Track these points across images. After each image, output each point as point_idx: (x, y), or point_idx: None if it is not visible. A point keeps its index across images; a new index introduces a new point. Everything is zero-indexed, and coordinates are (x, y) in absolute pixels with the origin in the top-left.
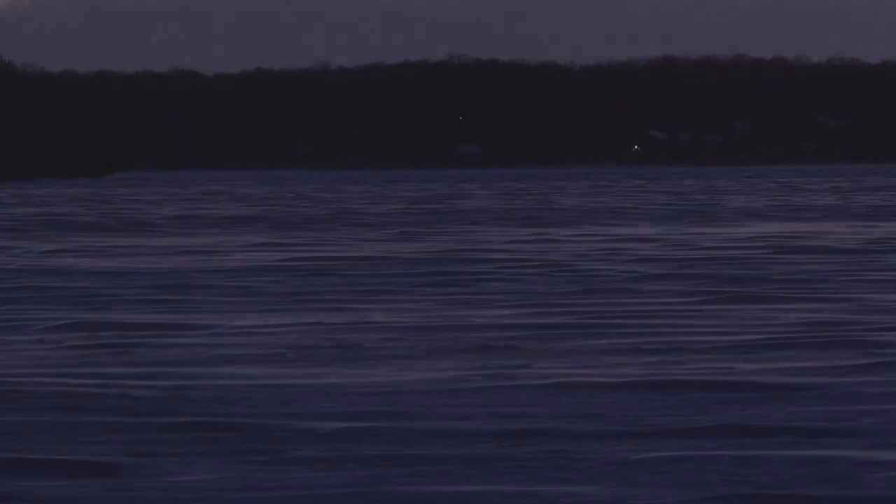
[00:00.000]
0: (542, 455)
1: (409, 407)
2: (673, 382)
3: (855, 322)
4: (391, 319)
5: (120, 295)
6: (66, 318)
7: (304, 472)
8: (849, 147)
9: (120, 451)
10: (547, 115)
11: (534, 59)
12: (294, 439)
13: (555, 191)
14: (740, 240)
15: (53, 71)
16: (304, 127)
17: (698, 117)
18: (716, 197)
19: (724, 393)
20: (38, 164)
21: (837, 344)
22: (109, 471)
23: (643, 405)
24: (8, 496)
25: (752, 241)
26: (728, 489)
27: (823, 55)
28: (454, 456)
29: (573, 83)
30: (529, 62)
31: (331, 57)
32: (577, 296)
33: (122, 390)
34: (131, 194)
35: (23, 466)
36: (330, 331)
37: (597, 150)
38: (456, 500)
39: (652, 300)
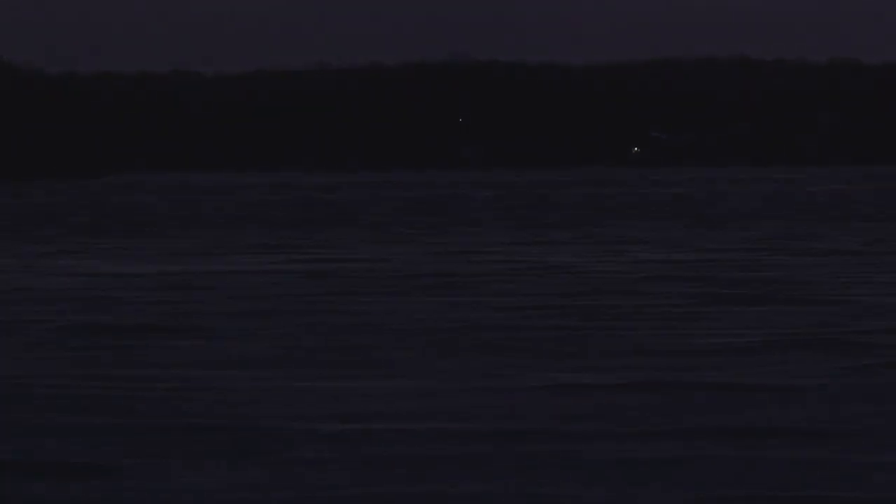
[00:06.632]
0: (542, 455)
1: (409, 407)
2: (674, 383)
3: (855, 323)
4: (391, 320)
5: (120, 297)
6: (67, 319)
7: (304, 472)
8: (849, 147)
9: (120, 453)
10: (547, 115)
11: (534, 59)
12: (295, 440)
13: (555, 191)
14: (740, 241)
15: (53, 71)
16: (303, 127)
17: (698, 117)
18: (715, 197)
19: (725, 393)
20: (38, 164)
21: (837, 344)
22: (109, 472)
23: (643, 405)
24: (8, 496)
25: (752, 241)
26: (728, 489)
27: (823, 55)
28: (454, 456)
29: (573, 83)
30: (529, 62)
31: (331, 57)
32: (577, 297)
33: (123, 392)
34: (131, 194)
35: (23, 466)
36: (330, 332)
37: (597, 150)
38: (456, 500)
39: (652, 301)
